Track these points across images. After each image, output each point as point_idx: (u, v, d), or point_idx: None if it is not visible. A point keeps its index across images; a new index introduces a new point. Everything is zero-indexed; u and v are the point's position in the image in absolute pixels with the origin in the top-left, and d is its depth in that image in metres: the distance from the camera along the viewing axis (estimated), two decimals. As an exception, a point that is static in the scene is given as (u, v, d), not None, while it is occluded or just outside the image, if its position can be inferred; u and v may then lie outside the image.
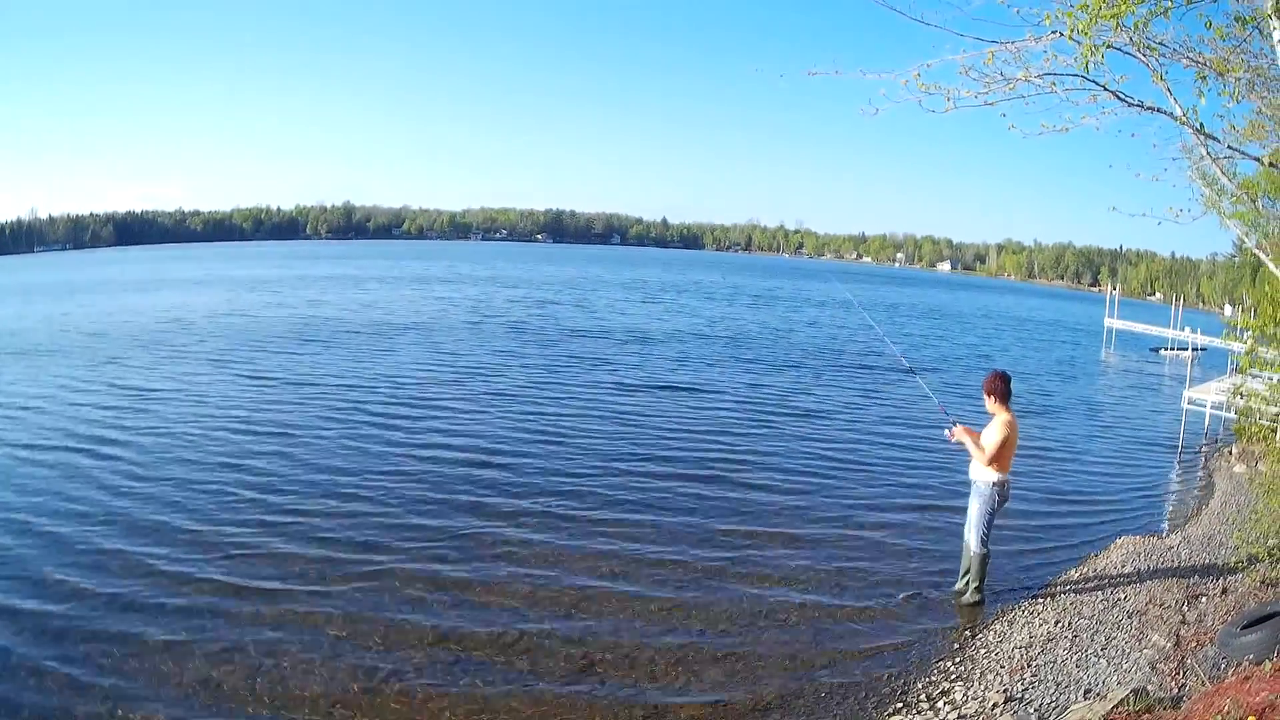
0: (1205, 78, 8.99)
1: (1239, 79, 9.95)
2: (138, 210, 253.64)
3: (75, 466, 15.26)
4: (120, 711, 7.61)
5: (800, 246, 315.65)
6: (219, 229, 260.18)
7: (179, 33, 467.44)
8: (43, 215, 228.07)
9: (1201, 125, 9.34)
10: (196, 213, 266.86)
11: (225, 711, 7.75)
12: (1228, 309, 68.77)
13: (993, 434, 10.11)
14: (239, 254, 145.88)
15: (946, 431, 10.66)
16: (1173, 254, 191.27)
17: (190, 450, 16.40)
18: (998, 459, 10.12)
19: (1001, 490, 10.28)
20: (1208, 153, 10.10)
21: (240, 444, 16.97)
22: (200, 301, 51.35)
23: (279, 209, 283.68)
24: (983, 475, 10.26)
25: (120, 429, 18.04)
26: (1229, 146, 10.34)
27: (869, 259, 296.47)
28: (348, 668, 8.52)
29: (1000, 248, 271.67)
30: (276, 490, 14.18)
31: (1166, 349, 50.49)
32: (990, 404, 10.30)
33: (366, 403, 21.18)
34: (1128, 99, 8.95)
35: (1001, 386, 10.25)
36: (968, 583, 10.64)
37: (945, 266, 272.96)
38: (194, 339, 33.43)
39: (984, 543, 10.39)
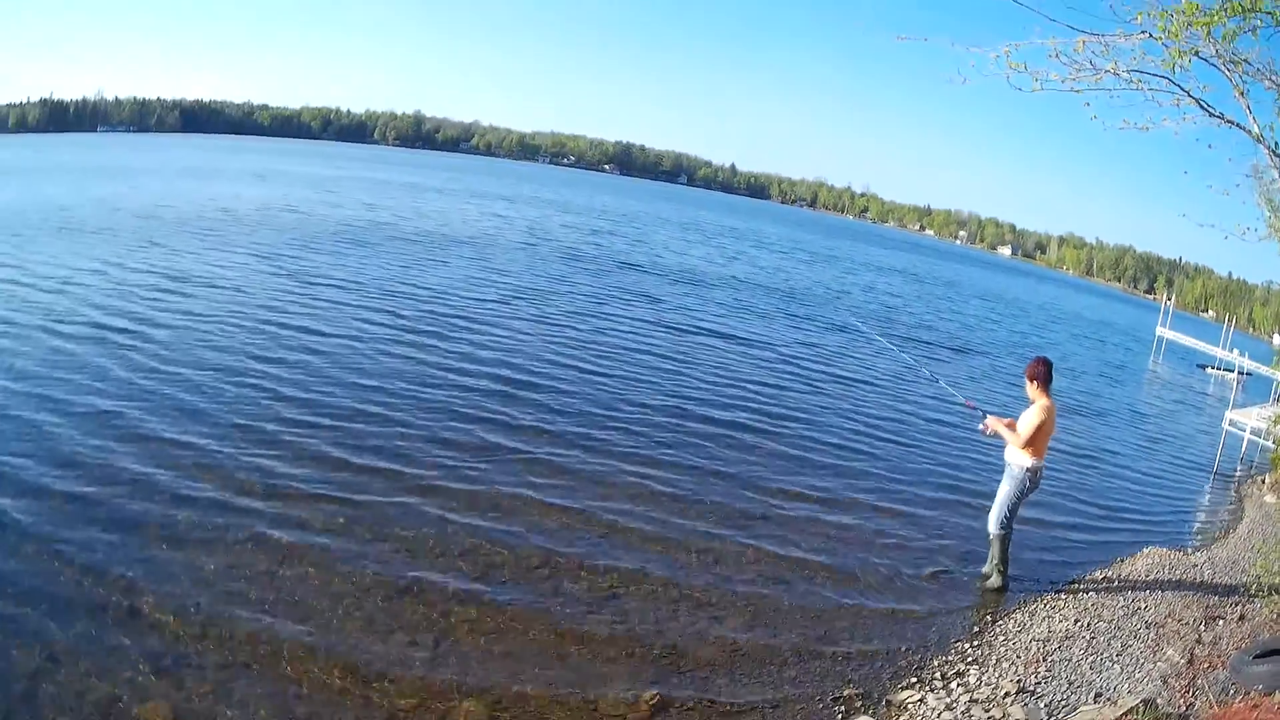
0: None
1: (1319, 108, 9.85)
2: (205, 99, 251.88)
3: (105, 345, 15.37)
4: (133, 600, 7.72)
5: (865, 210, 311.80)
6: (286, 125, 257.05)
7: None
8: (109, 96, 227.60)
9: (1277, 145, 9.28)
10: (265, 107, 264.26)
11: (243, 603, 7.93)
12: (1278, 338, 67.97)
13: (1030, 418, 10.15)
14: (302, 150, 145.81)
15: (980, 426, 10.72)
16: (1230, 274, 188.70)
17: (222, 340, 16.51)
18: (1033, 443, 10.17)
19: (1034, 476, 10.33)
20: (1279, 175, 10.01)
21: (274, 341, 16.98)
22: (256, 194, 51.29)
23: (349, 111, 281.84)
24: (1017, 459, 10.32)
25: (155, 312, 18.17)
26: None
27: (931, 232, 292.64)
28: (370, 574, 8.68)
29: (1062, 240, 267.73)
30: (308, 390, 14.26)
31: (1214, 367, 50.04)
32: (1031, 389, 10.35)
33: (407, 313, 21.18)
34: (1209, 109, 8.90)
35: (1044, 372, 10.29)
36: (995, 567, 10.71)
37: (1006, 251, 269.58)
38: (244, 230, 33.55)
39: (1004, 525, 10.49)
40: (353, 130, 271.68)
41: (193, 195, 46.70)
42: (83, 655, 6.85)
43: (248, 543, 8.94)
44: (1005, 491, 10.42)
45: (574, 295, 27.91)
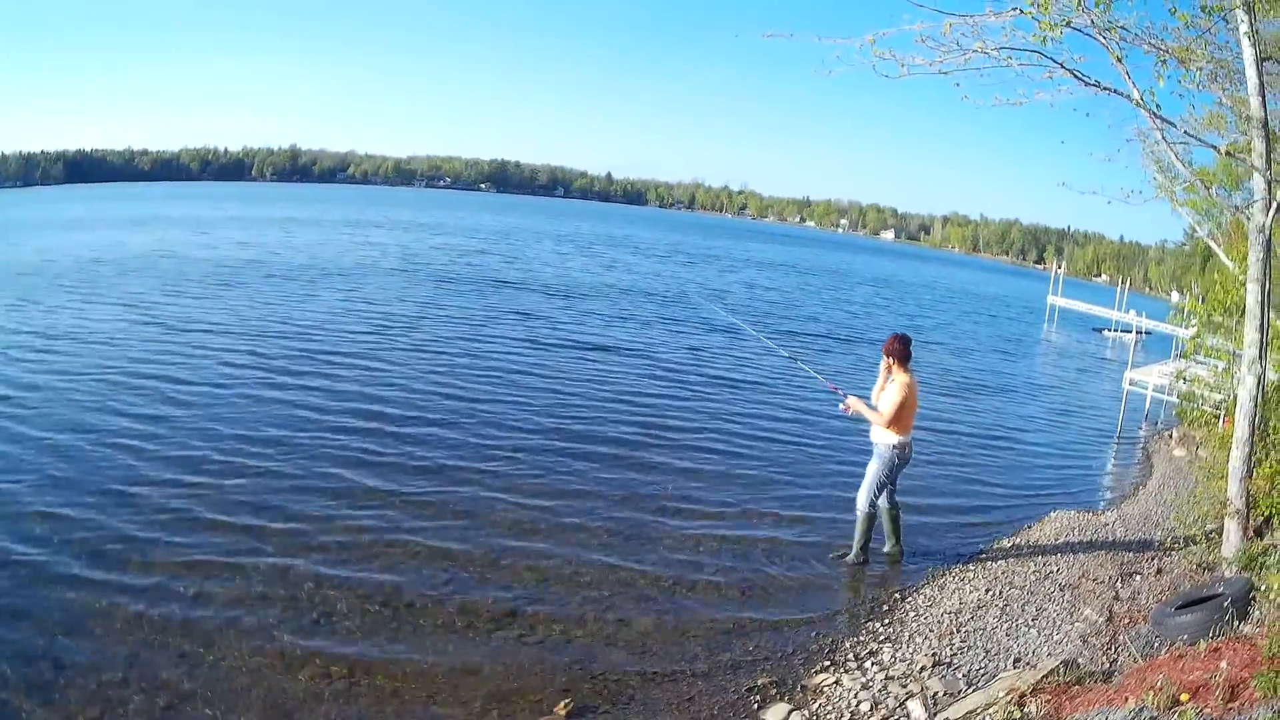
0: (1165, 62, 8.97)
1: (1201, 69, 9.96)
2: (87, 149, 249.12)
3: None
4: None
5: (744, 208, 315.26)
6: (167, 168, 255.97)
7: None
8: None
9: (1159, 107, 9.32)
10: (145, 152, 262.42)
11: (107, 683, 7.61)
12: (1175, 295, 69.97)
13: (891, 396, 10.05)
14: (181, 193, 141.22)
15: (841, 406, 10.62)
16: (1121, 238, 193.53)
17: (87, 398, 15.27)
18: (897, 421, 10.05)
19: (902, 452, 10.26)
20: (1164, 137, 10.08)
21: (140, 395, 15.76)
22: (136, 241, 49.07)
23: (225, 150, 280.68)
24: (883, 438, 10.23)
25: (22, 374, 16.76)
26: (1185, 133, 10.35)
27: (812, 223, 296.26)
28: (255, 645, 7.88)
29: (946, 219, 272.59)
30: (172, 445, 13.12)
31: (1110, 330, 50.94)
32: (888, 366, 10.26)
33: (275, 353, 19.84)
34: (1085, 78, 9.02)
35: (900, 349, 10.18)
36: (859, 544, 10.59)
37: (889, 235, 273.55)
38: (119, 279, 31.90)
39: (872, 503, 10.41)
40: (231, 169, 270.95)
41: (73, 247, 44.49)
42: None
43: (107, 616, 8.15)
44: (874, 470, 10.33)
45: (447, 318, 27.08)
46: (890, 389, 10.09)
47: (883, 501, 10.48)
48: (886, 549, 10.76)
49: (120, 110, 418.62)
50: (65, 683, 7.01)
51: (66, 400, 15.07)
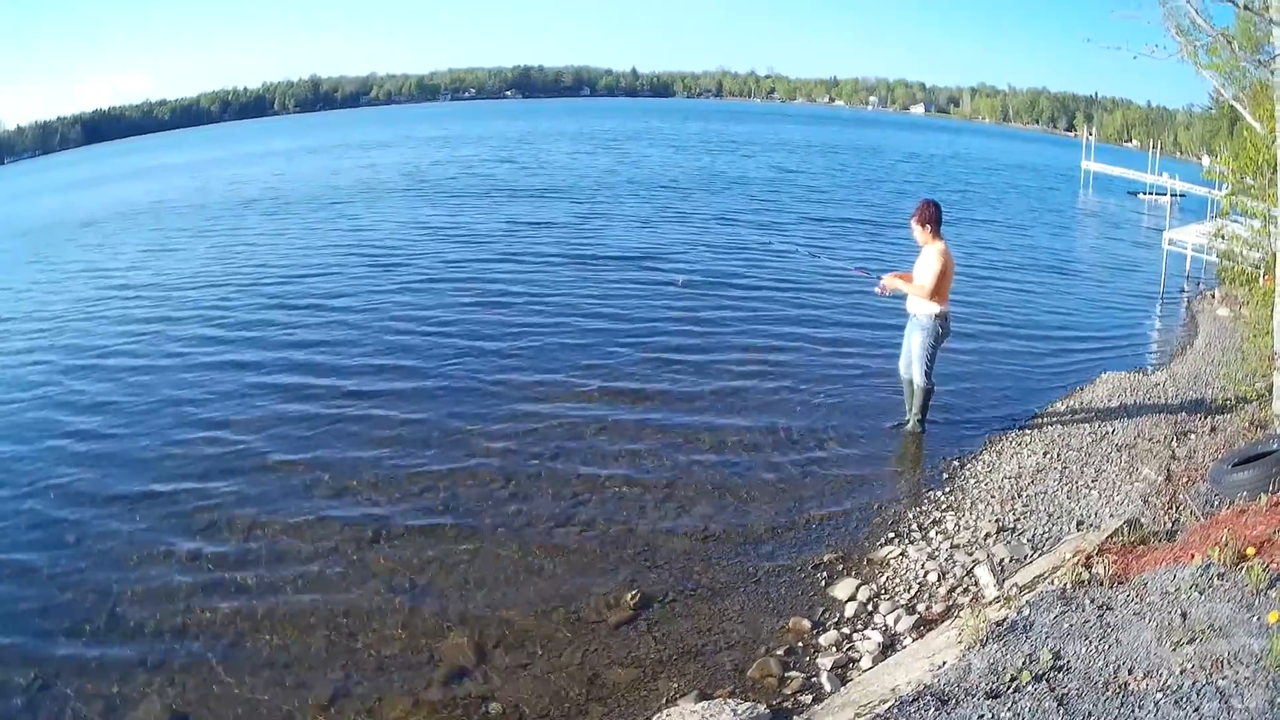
0: None
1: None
2: (105, 108, 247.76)
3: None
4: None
5: (772, 91, 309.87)
6: (187, 115, 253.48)
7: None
8: (10, 126, 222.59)
9: None
10: (164, 102, 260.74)
11: (218, 588, 7.80)
12: (1205, 159, 68.78)
13: (930, 266, 9.86)
14: (193, 139, 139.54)
15: (877, 289, 10.47)
16: (1149, 103, 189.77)
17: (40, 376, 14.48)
18: (937, 291, 9.87)
19: (944, 323, 10.12)
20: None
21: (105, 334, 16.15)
22: (132, 192, 48.78)
23: (245, 89, 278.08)
24: (923, 309, 10.05)
25: None
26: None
27: (842, 103, 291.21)
28: (335, 528, 8.47)
29: (974, 91, 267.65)
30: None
31: (1145, 193, 50.11)
32: (923, 234, 10.01)
33: (271, 297, 18.73)
34: None
35: (934, 213, 9.95)
36: (915, 416, 10.60)
37: (919, 109, 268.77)
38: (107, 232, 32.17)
39: (928, 376, 10.28)
40: (252, 106, 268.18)
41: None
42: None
43: (215, 527, 8.61)
44: (919, 343, 10.16)
45: (465, 238, 25.43)
46: (928, 258, 9.91)
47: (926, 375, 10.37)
48: (909, 425, 10.75)
49: (140, 65, 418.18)
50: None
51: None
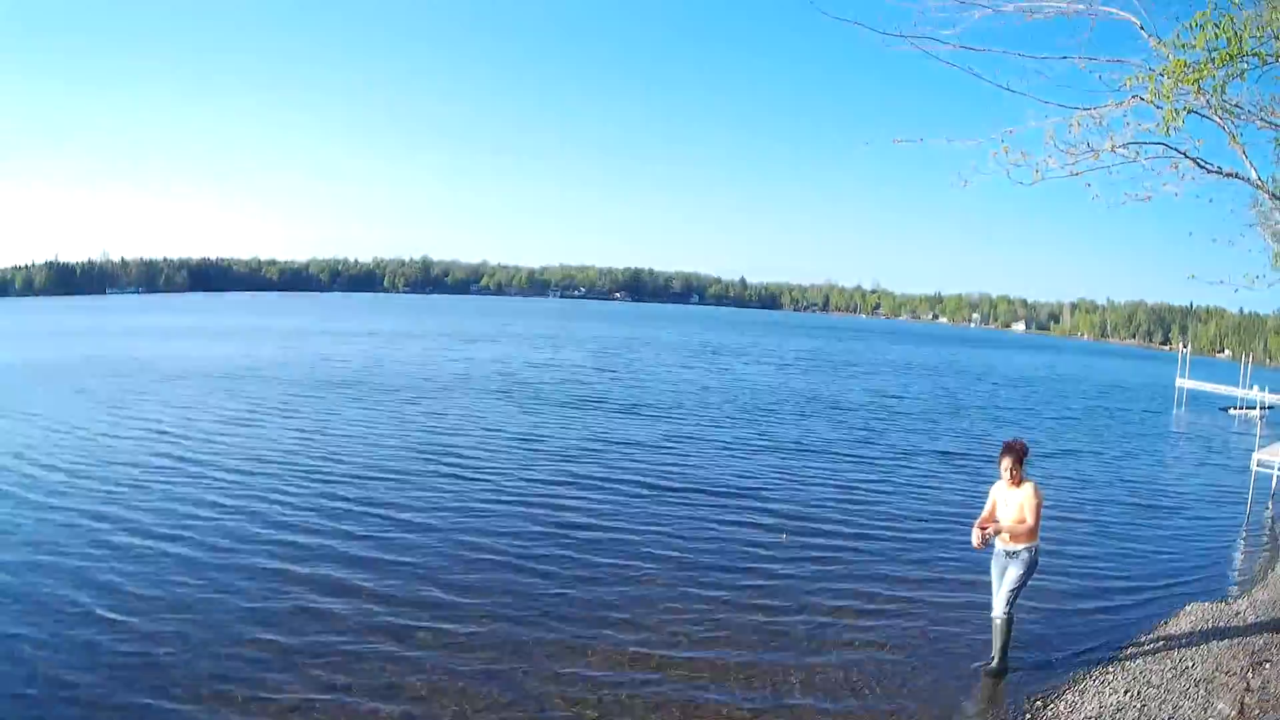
0: None
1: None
2: (213, 257, 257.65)
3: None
4: None
5: (877, 307, 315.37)
6: (295, 279, 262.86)
7: (256, 82, 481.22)
8: (115, 258, 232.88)
9: (1278, 188, 9.66)
10: (273, 262, 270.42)
11: None
12: (1294, 366, 68.13)
13: (1034, 502, 10.41)
14: (294, 306, 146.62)
15: (976, 543, 10.63)
16: (1240, 310, 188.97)
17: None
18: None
19: (1038, 555, 10.67)
20: (1283, 215, 10.33)
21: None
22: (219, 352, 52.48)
23: (356, 261, 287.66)
24: (1025, 544, 10.52)
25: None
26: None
27: (945, 319, 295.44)
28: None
29: (1074, 306, 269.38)
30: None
31: (1235, 408, 50.20)
32: (1018, 472, 10.54)
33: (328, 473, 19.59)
34: (1207, 165, 9.21)
35: (1025, 452, 10.63)
36: (998, 654, 10.76)
37: (1020, 326, 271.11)
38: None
39: (1013, 606, 10.61)
40: (362, 280, 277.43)
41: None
42: None
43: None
44: (1018, 576, 10.51)
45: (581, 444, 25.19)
46: (1029, 495, 10.43)
47: (1011, 607, 10.65)
48: (993, 655, 10.87)
49: (248, 220, 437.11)
50: None
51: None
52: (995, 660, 10.74)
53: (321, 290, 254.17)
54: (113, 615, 11.29)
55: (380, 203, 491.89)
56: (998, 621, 10.70)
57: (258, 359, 48.52)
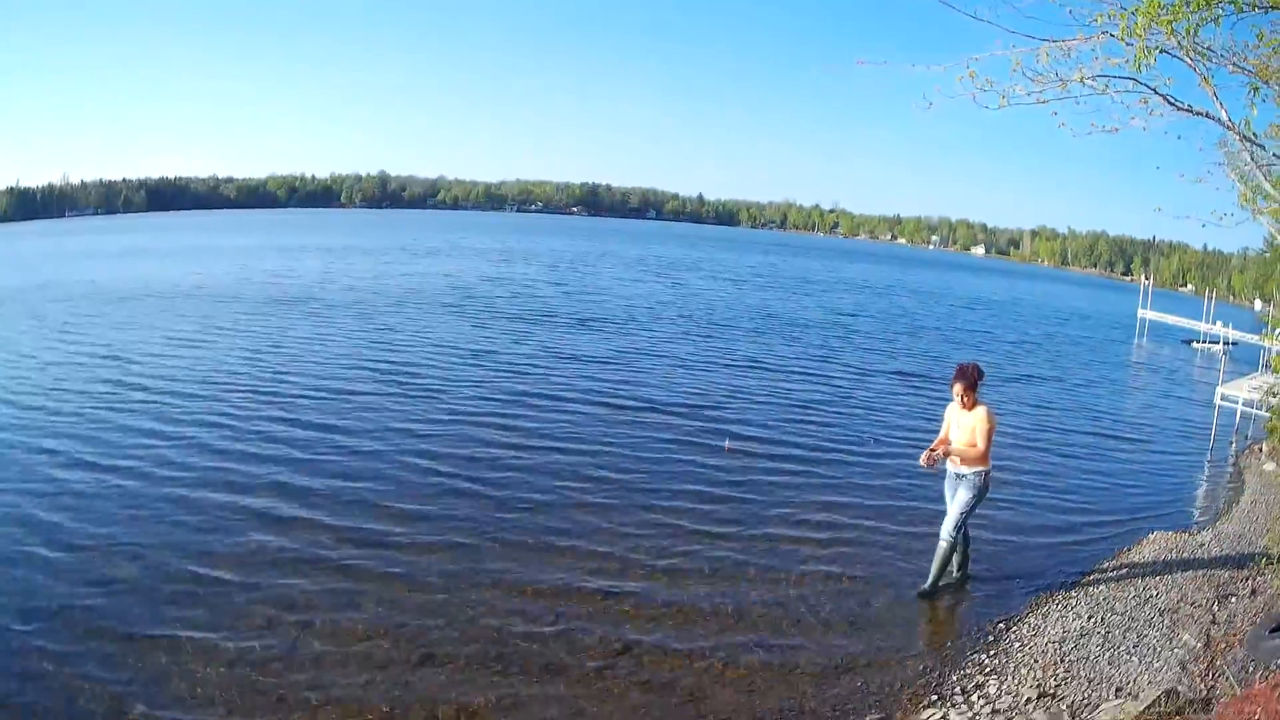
0: (1258, 88, 9.04)
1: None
2: (171, 176, 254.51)
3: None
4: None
5: (835, 226, 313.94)
6: (253, 196, 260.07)
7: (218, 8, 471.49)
8: (75, 181, 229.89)
9: (1253, 134, 9.41)
10: (230, 179, 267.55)
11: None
12: (1258, 304, 68.47)
13: (986, 427, 10.29)
14: (252, 221, 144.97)
15: (922, 462, 10.42)
16: (1204, 246, 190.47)
17: None
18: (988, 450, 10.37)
19: (988, 480, 10.55)
20: (1252, 158, 10.16)
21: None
22: (167, 271, 51.45)
23: (313, 177, 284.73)
24: (974, 467, 10.41)
25: None
26: (1275, 155, 10.40)
27: (903, 240, 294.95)
28: (360, 669, 8.70)
29: (1034, 233, 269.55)
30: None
31: (1198, 342, 50.39)
32: (970, 397, 10.43)
33: (296, 392, 20.03)
34: (1177, 103, 8.98)
35: (978, 376, 10.45)
36: (933, 579, 10.71)
37: (979, 250, 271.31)
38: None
39: (957, 530, 10.55)
40: (319, 196, 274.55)
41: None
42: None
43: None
44: (966, 499, 10.45)
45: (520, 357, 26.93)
46: (980, 420, 10.31)
47: (957, 532, 10.61)
48: (957, 576, 11.03)
49: (204, 139, 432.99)
50: None
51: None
52: (928, 583, 10.68)
53: (278, 206, 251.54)
54: (46, 553, 10.72)
55: (337, 121, 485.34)
56: (941, 545, 10.62)
57: (209, 278, 47.18)
